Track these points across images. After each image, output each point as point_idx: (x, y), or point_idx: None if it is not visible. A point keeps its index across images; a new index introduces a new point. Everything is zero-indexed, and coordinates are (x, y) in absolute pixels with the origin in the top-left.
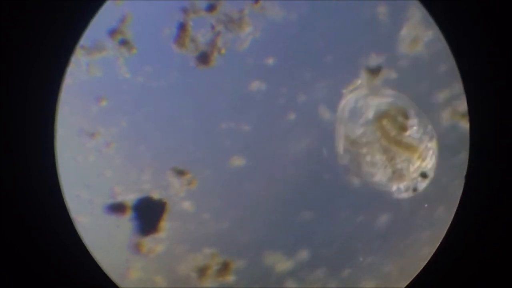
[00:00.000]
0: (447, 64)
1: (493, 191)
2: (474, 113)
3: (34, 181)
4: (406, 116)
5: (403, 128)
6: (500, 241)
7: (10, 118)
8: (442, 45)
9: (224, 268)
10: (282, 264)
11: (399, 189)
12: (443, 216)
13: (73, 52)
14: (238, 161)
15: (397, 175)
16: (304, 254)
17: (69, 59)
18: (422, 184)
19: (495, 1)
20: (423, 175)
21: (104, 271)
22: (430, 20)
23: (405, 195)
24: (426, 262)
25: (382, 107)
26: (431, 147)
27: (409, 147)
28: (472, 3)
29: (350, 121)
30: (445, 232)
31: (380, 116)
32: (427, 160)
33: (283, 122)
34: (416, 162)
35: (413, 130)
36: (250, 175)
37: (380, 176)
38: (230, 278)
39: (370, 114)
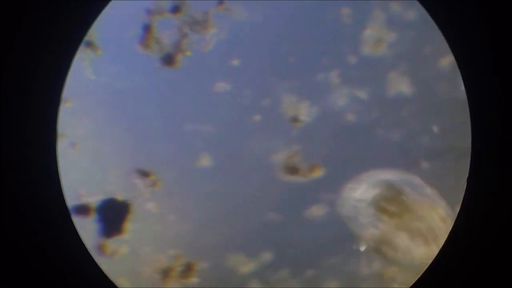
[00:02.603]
0: (410, 63)
1: (495, 193)
2: (475, 114)
3: (35, 181)
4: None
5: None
6: (503, 244)
7: (11, 118)
8: (406, 46)
9: (188, 269)
10: (245, 265)
11: None
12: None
13: (75, 53)
14: (203, 162)
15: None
16: (267, 256)
17: (71, 60)
18: None
19: (495, 1)
20: None
21: (104, 271)
22: (395, 21)
23: None
24: (428, 263)
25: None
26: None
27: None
28: (472, 3)
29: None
30: (447, 234)
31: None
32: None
33: (248, 123)
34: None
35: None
36: (214, 176)
37: None
38: (194, 280)
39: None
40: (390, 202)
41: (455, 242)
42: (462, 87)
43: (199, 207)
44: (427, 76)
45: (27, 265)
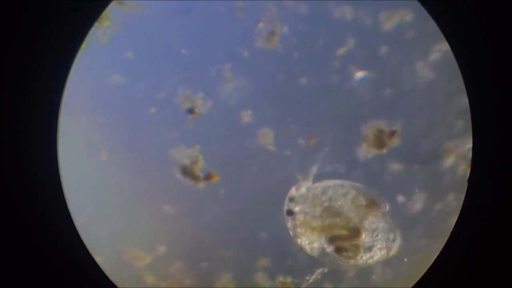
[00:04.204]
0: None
1: (496, 195)
2: (476, 115)
3: (35, 181)
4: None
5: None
6: (503, 245)
7: (12, 119)
8: (297, 39)
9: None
10: (140, 259)
11: None
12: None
13: (77, 53)
14: (101, 155)
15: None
16: (162, 249)
17: (73, 60)
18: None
19: (495, 1)
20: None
21: (104, 271)
22: (289, 16)
23: None
24: (430, 264)
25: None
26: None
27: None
28: (471, 2)
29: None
30: (448, 235)
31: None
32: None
33: (143, 115)
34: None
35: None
36: (110, 169)
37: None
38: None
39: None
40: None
41: (455, 242)
42: (353, 78)
43: (93, 200)
44: (322, 69)
45: (27, 265)
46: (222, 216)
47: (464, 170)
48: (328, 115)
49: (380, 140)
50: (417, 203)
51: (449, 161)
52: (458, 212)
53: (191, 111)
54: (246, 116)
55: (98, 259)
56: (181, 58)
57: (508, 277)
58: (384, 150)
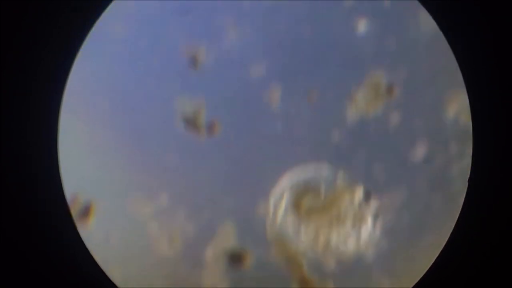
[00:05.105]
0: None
1: (496, 195)
2: (476, 114)
3: (35, 181)
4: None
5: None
6: (503, 245)
7: (12, 119)
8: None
9: (86, 212)
10: (142, 208)
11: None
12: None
13: (77, 53)
14: (103, 105)
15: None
16: (164, 199)
17: (73, 60)
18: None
19: (496, 2)
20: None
21: (104, 271)
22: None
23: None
24: (430, 264)
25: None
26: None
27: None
28: (471, 2)
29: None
30: (448, 235)
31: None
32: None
33: (146, 66)
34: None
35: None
36: (111, 118)
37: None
38: (92, 221)
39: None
40: (307, 201)
41: (455, 242)
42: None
43: (99, 149)
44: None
45: (27, 265)
46: (224, 166)
47: (465, 120)
48: (333, 69)
49: (377, 95)
50: (419, 153)
51: (451, 111)
52: (459, 213)
53: (194, 62)
54: (252, 69)
55: (101, 206)
56: (185, 5)
57: (508, 277)
58: (379, 105)
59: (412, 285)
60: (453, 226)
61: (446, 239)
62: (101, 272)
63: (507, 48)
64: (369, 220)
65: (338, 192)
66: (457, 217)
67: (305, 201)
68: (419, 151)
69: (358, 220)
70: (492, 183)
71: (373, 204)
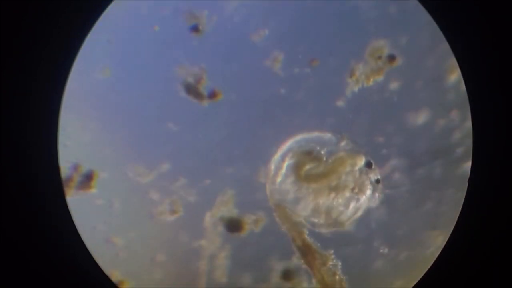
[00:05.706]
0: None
1: (496, 195)
2: (476, 114)
3: (35, 181)
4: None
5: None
6: (503, 245)
7: (12, 119)
8: None
9: (88, 180)
10: (144, 176)
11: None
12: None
13: (77, 53)
14: (105, 72)
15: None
16: (165, 166)
17: (73, 60)
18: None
19: (494, 1)
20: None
21: (104, 271)
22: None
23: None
24: (431, 263)
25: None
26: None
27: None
28: (471, 2)
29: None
30: (448, 235)
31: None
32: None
33: (147, 33)
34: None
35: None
36: (114, 86)
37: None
38: (93, 190)
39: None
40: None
41: (455, 242)
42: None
43: (98, 117)
44: None
45: (27, 265)
46: (225, 134)
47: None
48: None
49: (377, 65)
50: (420, 119)
51: (452, 78)
52: (459, 213)
53: (195, 28)
54: (255, 35)
55: (103, 176)
56: None
57: (508, 277)
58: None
59: (412, 285)
60: (453, 226)
61: (446, 239)
62: (101, 272)
63: (507, 48)
64: (369, 187)
65: (339, 158)
66: (457, 217)
67: (306, 167)
68: (420, 118)
69: (359, 187)
70: (492, 183)
71: (374, 171)
